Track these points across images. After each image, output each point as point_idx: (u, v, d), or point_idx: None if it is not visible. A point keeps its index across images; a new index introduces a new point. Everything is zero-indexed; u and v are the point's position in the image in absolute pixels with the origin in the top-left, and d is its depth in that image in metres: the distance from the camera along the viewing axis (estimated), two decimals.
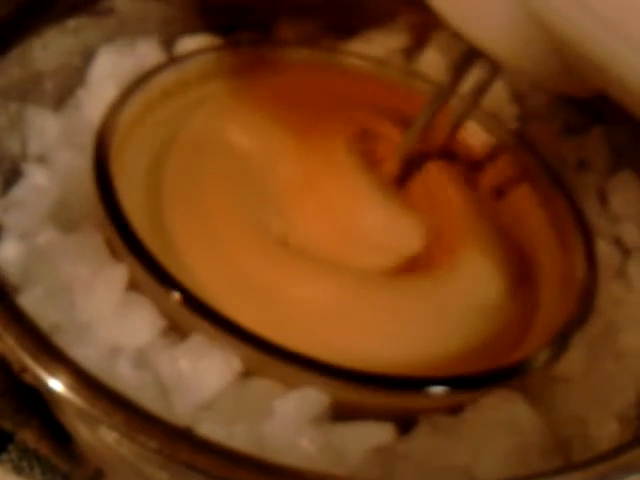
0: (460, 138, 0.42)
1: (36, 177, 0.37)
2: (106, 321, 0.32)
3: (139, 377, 0.31)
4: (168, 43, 0.44)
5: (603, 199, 0.43)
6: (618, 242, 0.42)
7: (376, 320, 0.35)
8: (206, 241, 0.36)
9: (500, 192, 0.42)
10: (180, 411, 0.31)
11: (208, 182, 0.38)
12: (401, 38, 0.48)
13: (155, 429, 0.27)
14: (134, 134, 0.38)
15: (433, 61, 0.47)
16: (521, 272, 0.39)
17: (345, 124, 0.41)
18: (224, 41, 0.45)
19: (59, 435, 0.31)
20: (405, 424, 0.32)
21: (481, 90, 0.39)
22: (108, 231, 0.34)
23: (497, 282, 0.37)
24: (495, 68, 0.37)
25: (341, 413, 0.32)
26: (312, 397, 0.31)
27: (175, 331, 0.33)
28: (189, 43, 0.44)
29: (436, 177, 0.40)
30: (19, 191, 0.37)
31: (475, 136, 0.43)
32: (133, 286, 0.33)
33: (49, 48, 0.40)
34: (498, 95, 0.45)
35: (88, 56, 0.42)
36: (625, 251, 0.42)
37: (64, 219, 0.36)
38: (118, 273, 0.33)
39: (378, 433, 0.31)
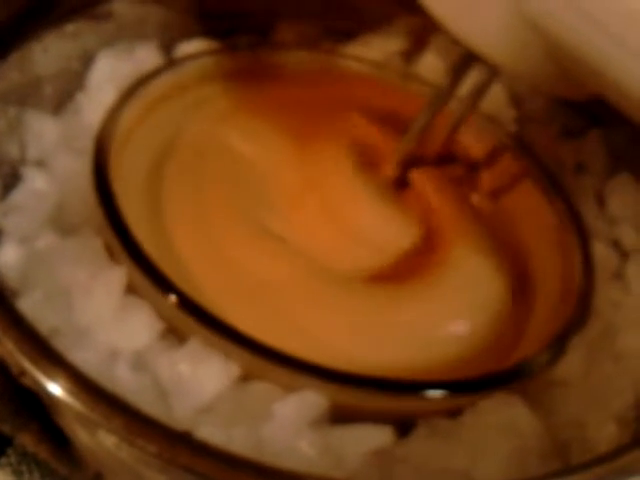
0: (459, 141, 0.42)
1: (35, 181, 0.37)
2: (105, 324, 0.32)
3: (138, 380, 0.31)
4: (167, 47, 0.44)
5: (601, 202, 0.43)
6: (616, 244, 0.42)
7: (371, 324, 0.35)
8: (205, 245, 0.36)
9: (498, 195, 0.42)
10: (179, 414, 0.31)
11: (207, 186, 0.38)
12: (399, 41, 0.48)
13: (154, 433, 0.27)
14: (133, 138, 0.38)
15: (432, 64, 0.47)
16: (519, 275, 0.39)
17: (344, 127, 0.41)
18: (223, 45, 0.45)
19: (58, 439, 0.31)
20: (404, 427, 0.32)
21: (479, 93, 0.39)
22: (107, 235, 0.34)
23: (494, 285, 0.37)
24: (493, 71, 0.37)
25: (340, 416, 0.32)
26: (311, 400, 0.31)
27: (174, 334, 0.33)
28: (188, 47, 0.44)
29: (433, 180, 0.40)
30: (18, 195, 0.37)
31: (473, 139, 0.43)
32: (132, 289, 0.33)
33: (48, 52, 0.40)
34: (496, 98, 0.45)
35: (87, 60, 0.42)
36: (623, 253, 0.42)
37: (63, 223, 0.36)
38: (117, 276, 0.33)
39: (377, 436, 0.31)
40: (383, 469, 0.31)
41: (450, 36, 0.32)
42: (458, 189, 0.41)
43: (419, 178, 0.40)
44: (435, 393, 0.32)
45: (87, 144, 0.36)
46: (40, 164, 0.39)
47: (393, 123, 0.42)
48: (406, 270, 0.37)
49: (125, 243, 0.33)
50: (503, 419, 0.32)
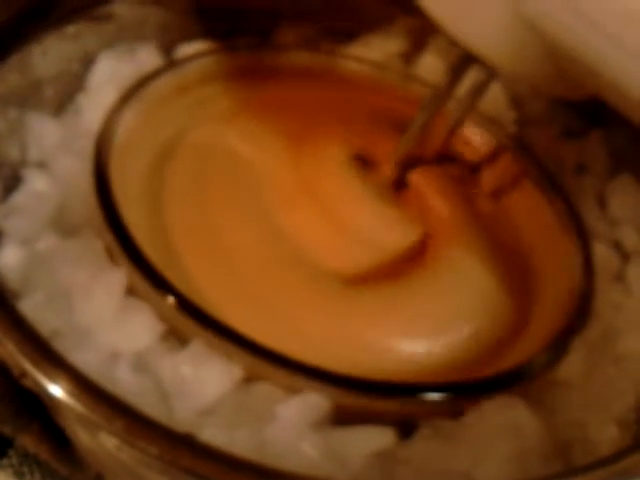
0: (459, 142, 0.42)
1: (36, 183, 0.37)
2: (106, 326, 0.32)
3: (139, 382, 0.31)
4: (167, 48, 0.44)
5: (602, 203, 0.43)
6: (617, 246, 0.42)
7: (372, 326, 0.35)
8: (205, 246, 0.36)
9: (498, 196, 0.42)
10: (181, 416, 0.31)
11: (207, 187, 0.38)
12: (399, 42, 0.48)
13: (156, 435, 0.27)
14: (133, 139, 0.38)
15: (431, 65, 0.47)
16: (519, 276, 0.39)
17: (343, 128, 0.41)
18: (223, 46, 0.45)
19: (59, 440, 0.31)
20: (406, 429, 0.32)
21: (477, 93, 0.39)
22: (107, 237, 0.34)
23: (494, 286, 0.37)
24: (491, 72, 0.37)
25: (342, 418, 0.32)
26: (313, 402, 0.31)
27: (175, 336, 0.33)
28: (188, 48, 0.44)
29: (433, 180, 0.40)
30: (19, 197, 0.37)
31: (474, 140, 0.43)
32: (132, 291, 0.33)
33: (48, 54, 0.40)
34: (497, 99, 0.45)
35: (87, 62, 0.42)
36: (624, 255, 0.42)
37: (64, 225, 0.36)
38: (117, 278, 0.33)
39: (379, 438, 0.31)
40: (385, 471, 0.31)
41: (448, 37, 0.32)
42: (458, 190, 0.41)
43: (418, 178, 0.40)
44: (436, 395, 0.32)
45: (88, 145, 0.36)
46: (41, 166, 0.39)
47: (393, 124, 0.42)
48: (405, 271, 0.37)
49: (125, 245, 0.33)
50: (504, 421, 0.32)
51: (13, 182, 0.38)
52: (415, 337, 0.35)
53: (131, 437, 0.27)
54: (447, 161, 0.41)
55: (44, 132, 0.39)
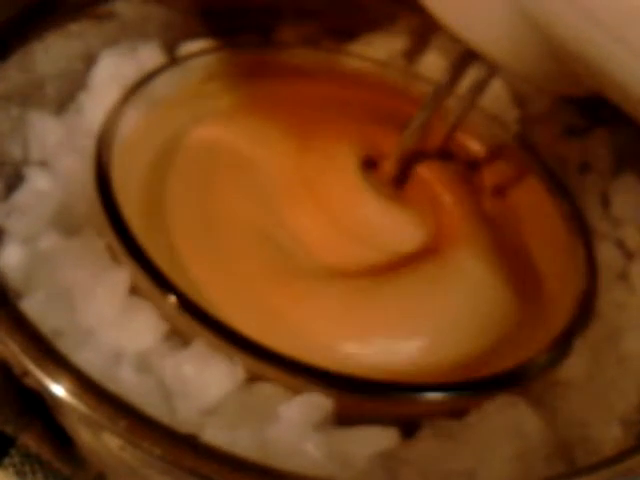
0: (461, 140, 0.42)
1: (38, 182, 0.37)
2: (108, 326, 0.32)
3: (142, 382, 0.31)
4: (170, 47, 0.44)
5: (605, 202, 0.43)
6: (621, 245, 0.42)
7: (375, 325, 0.35)
8: (207, 245, 0.36)
9: (502, 195, 0.42)
10: (183, 416, 0.31)
11: (209, 185, 0.38)
12: (402, 40, 0.48)
13: (158, 435, 0.27)
14: (135, 138, 0.38)
15: (434, 63, 0.47)
16: (522, 275, 0.39)
17: (345, 126, 0.41)
18: (225, 44, 0.45)
19: (61, 439, 0.31)
20: (408, 428, 0.32)
21: (479, 90, 0.38)
22: (109, 236, 0.33)
23: (497, 285, 0.37)
24: (493, 68, 0.37)
25: (345, 418, 0.31)
26: (316, 402, 0.31)
27: (178, 336, 0.33)
28: (190, 47, 0.44)
29: (434, 178, 0.40)
30: (21, 196, 0.37)
31: (476, 138, 0.43)
32: (135, 291, 0.33)
33: (51, 52, 0.40)
34: (500, 98, 0.45)
35: (89, 60, 0.42)
36: (628, 254, 0.41)
37: (66, 223, 0.36)
38: (120, 277, 0.33)
39: (382, 438, 0.31)
40: (388, 471, 0.31)
41: (450, 34, 0.32)
42: (461, 188, 0.41)
43: (419, 175, 0.40)
44: (439, 395, 0.32)
45: (90, 144, 0.36)
46: (43, 164, 0.39)
47: (395, 122, 0.42)
48: (408, 270, 0.37)
49: (127, 244, 0.33)
50: (507, 420, 0.32)
51: (15, 181, 0.38)
52: (418, 336, 0.35)
53: (134, 437, 0.27)
54: (449, 158, 0.41)
55: (46, 131, 0.39)
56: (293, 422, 0.30)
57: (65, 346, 0.30)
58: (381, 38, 0.48)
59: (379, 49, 0.47)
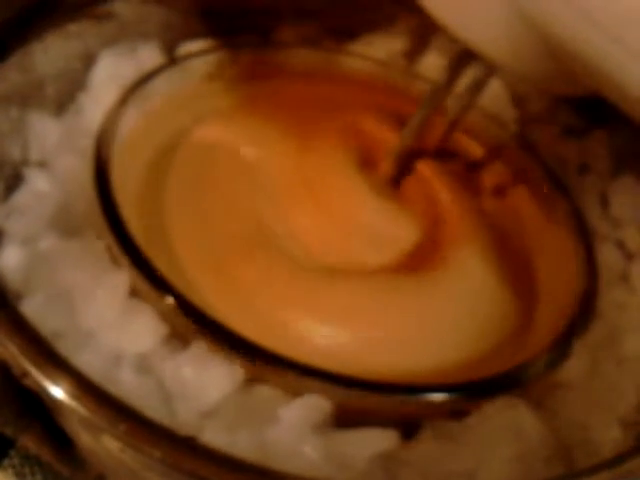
0: (460, 140, 0.42)
1: (37, 182, 0.37)
2: (108, 328, 0.32)
3: (142, 384, 0.31)
4: (169, 47, 0.44)
5: (605, 202, 0.43)
6: (620, 246, 0.42)
7: (374, 326, 0.35)
8: (205, 246, 0.36)
9: (500, 195, 0.42)
10: (183, 418, 0.31)
11: (208, 186, 0.38)
12: (402, 41, 0.48)
13: (158, 438, 0.27)
14: (135, 139, 0.38)
15: (434, 63, 0.47)
16: (522, 276, 0.39)
17: (344, 125, 0.41)
18: (224, 44, 0.45)
19: (60, 440, 0.31)
20: (408, 430, 0.32)
21: (477, 89, 0.38)
22: (108, 237, 0.33)
23: (497, 286, 0.37)
24: (491, 67, 0.37)
25: (344, 420, 0.31)
26: (316, 404, 0.31)
27: (177, 338, 0.32)
28: (190, 47, 0.44)
29: (432, 177, 0.40)
30: (20, 197, 0.37)
31: (475, 138, 0.43)
32: (135, 293, 0.33)
33: (50, 53, 0.40)
34: (499, 98, 0.45)
35: (89, 60, 0.41)
36: (628, 255, 0.41)
37: (66, 225, 0.36)
38: (120, 279, 0.33)
39: (381, 440, 0.31)
40: (388, 472, 0.31)
41: (448, 34, 0.32)
42: (459, 187, 0.41)
43: (417, 175, 0.40)
44: (439, 396, 0.32)
45: (89, 144, 0.36)
46: (42, 165, 0.38)
47: (395, 122, 0.42)
48: (407, 269, 0.37)
49: (126, 246, 0.33)
50: (507, 422, 0.32)
51: (15, 181, 0.38)
52: (419, 337, 0.35)
53: (134, 440, 0.27)
54: (448, 158, 0.41)
55: (45, 131, 0.39)
56: (292, 424, 0.30)
57: (65, 348, 0.30)
58: (381, 38, 0.48)
59: (379, 49, 0.47)
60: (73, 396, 0.28)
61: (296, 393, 0.31)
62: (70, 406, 0.28)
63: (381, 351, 0.34)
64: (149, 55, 0.42)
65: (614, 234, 0.42)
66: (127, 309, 0.32)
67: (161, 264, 0.33)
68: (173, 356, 0.32)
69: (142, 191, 0.37)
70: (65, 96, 0.41)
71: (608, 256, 0.40)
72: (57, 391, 0.28)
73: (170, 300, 0.32)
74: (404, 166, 0.40)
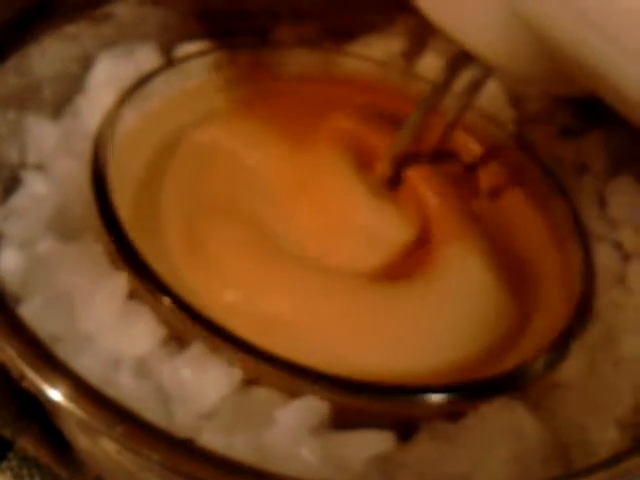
0: (457, 140, 0.42)
1: (35, 185, 0.37)
2: (107, 331, 0.32)
3: (140, 387, 0.31)
4: (167, 49, 0.44)
5: (602, 203, 0.43)
6: (617, 246, 0.42)
7: (371, 327, 0.35)
8: (202, 249, 0.35)
9: (497, 195, 0.42)
10: (181, 421, 0.31)
11: (206, 188, 0.38)
12: (400, 41, 0.48)
13: (156, 440, 0.27)
14: (133, 141, 0.38)
15: (432, 64, 0.46)
16: (518, 277, 0.39)
17: (342, 127, 0.41)
18: (222, 46, 0.45)
19: (58, 442, 0.31)
20: (405, 431, 0.32)
21: (474, 90, 0.38)
22: (106, 240, 0.33)
23: (493, 286, 0.37)
24: (488, 68, 0.37)
25: (342, 421, 0.32)
26: (313, 406, 0.31)
27: (175, 341, 0.33)
28: (188, 48, 0.44)
29: (429, 178, 0.40)
30: (18, 200, 0.37)
31: (472, 139, 0.43)
32: (133, 295, 0.33)
33: (47, 55, 0.40)
34: (496, 98, 0.45)
35: (86, 63, 0.41)
36: (625, 255, 0.41)
37: (64, 227, 0.36)
38: (118, 283, 0.33)
39: (378, 442, 0.31)
40: (385, 474, 0.31)
41: (444, 35, 0.32)
42: (455, 189, 0.41)
43: (414, 176, 0.40)
44: (436, 397, 0.32)
45: (87, 147, 0.36)
46: (40, 168, 0.38)
47: (393, 122, 0.42)
48: (402, 270, 0.37)
49: (124, 249, 0.33)
50: (505, 423, 0.32)
51: (12, 184, 0.38)
52: (415, 338, 0.35)
53: (131, 442, 0.27)
54: (444, 159, 0.41)
55: (43, 134, 0.39)
56: (290, 426, 0.30)
57: (63, 351, 0.30)
58: (379, 39, 0.48)
59: (377, 50, 0.47)
60: (71, 398, 0.28)
61: (293, 395, 0.31)
62: (68, 408, 0.28)
63: (377, 352, 0.34)
64: (147, 57, 0.42)
65: (611, 235, 0.42)
66: (125, 312, 0.32)
67: (159, 266, 0.33)
68: (171, 358, 0.32)
69: (140, 193, 0.37)
70: (63, 98, 0.41)
71: (605, 257, 0.40)
72: (55, 394, 0.28)
73: (168, 302, 0.32)
74: (401, 167, 0.40)
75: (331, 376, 0.31)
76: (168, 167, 0.38)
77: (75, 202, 0.36)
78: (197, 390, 0.31)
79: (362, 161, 0.40)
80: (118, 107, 0.38)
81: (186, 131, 0.40)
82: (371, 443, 0.31)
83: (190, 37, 0.45)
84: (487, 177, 0.42)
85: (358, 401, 0.32)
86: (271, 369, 0.31)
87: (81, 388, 0.28)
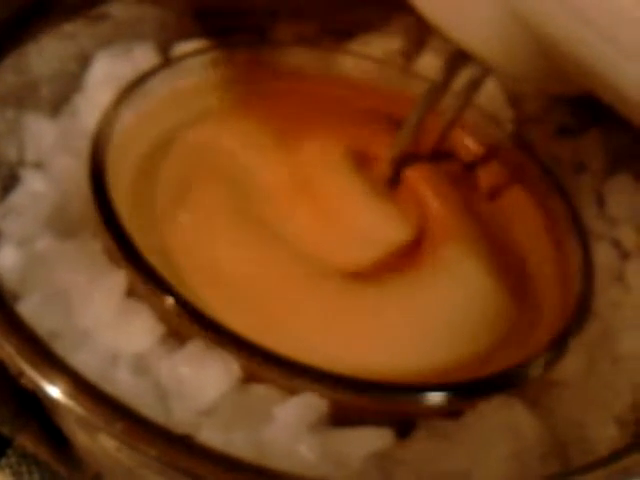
0: (456, 140, 0.42)
1: (33, 183, 0.37)
2: (105, 328, 0.32)
3: (138, 384, 0.31)
4: (164, 47, 0.44)
5: (600, 201, 0.43)
6: (616, 245, 0.42)
7: (370, 326, 0.35)
8: (200, 246, 0.36)
9: (496, 194, 0.42)
10: (180, 417, 0.31)
11: (203, 186, 0.38)
12: (399, 41, 0.48)
13: (154, 436, 0.27)
14: (130, 139, 0.38)
15: (431, 63, 0.47)
16: (517, 276, 0.39)
17: (340, 126, 0.41)
18: (220, 44, 0.45)
19: (57, 439, 0.31)
20: (404, 429, 0.32)
21: (473, 90, 0.38)
22: (104, 237, 0.33)
23: (491, 285, 0.37)
24: (485, 68, 0.37)
25: (340, 418, 0.31)
26: (311, 403, 0.31)
27: (174, 338, 0.32)
28: (185, 47, 0.44)
29: (428, 178, 0.40)
30: (16, 197, 0.37)
31: (471, 138, 0.43)
32: (132, 292, 0.33)
33: (45, 54, 0.40)
34: (494, 97, 0.45)
35: (84, 61, 0.42)
36: (623, 254, 0.42)
37: (62, 225, 0.36)
38: (116, 280, 0.33)
39: (377, 439, 0.31)
40: (383, 471, 0.31)
41: (441, 34, 0.32)
42: (454, 188, 0.41)
43: (413, 176, 0.40)
44: (435, 395, 0.32)
45: (85, 145, 0.36)
46: (38, 166, 0.39)
47: (391, 122, 0.42)
48: (403, 270, 0.37)
49: (122, 246, 0.33)
50: (503, 421, 0.32)
51: (11, 182, 0.38)
52: (414, 337, 0.35)
53: (130, 439, 0.27)
54: (443, 158, 0.41)
55: (41, 132, 0.39)
56: (288, 423, 0.30)
57: (62, 348, 0.30)
58: (378, 38, 0.48)
59: (376, 49, 0.47)
60: (70, 395, 0.28)
61: (292, 392, 0.31)
62: (67, 405, 0.28)
63: (376, 350, 0.34)
64: (144, 56, 0.42)
65: (610, 233, 0.42)
66: (124, 309, 0.32)
67: (157, 263, 0.33)
68: (170, 355, 0.32)
69: (138, 191, 0.37)
70: (61, 97, 0.41)
71: (604, 255, 0.40)
72: (54, 390, 0.28)
73: (167, 299, 0.32)
74: (400, 167, 0.40)
75: (330, 374, 0.31)
76: (166, 165, 0.38)
77: (73, 200, 0.36)
78: (196, 387, 0.31)
79: (362, 160, 0.40)
80: (116, 105, 0.38)
81: (184, 130, 0.40)
82: (369, 440, 0.31)
83: (188, 36, 0.45)
84: (486, 176, 0.42)
85: (357, 399, 0.32)
86: (269, 366, 0.31)
87: (80, 385, 0.28)
